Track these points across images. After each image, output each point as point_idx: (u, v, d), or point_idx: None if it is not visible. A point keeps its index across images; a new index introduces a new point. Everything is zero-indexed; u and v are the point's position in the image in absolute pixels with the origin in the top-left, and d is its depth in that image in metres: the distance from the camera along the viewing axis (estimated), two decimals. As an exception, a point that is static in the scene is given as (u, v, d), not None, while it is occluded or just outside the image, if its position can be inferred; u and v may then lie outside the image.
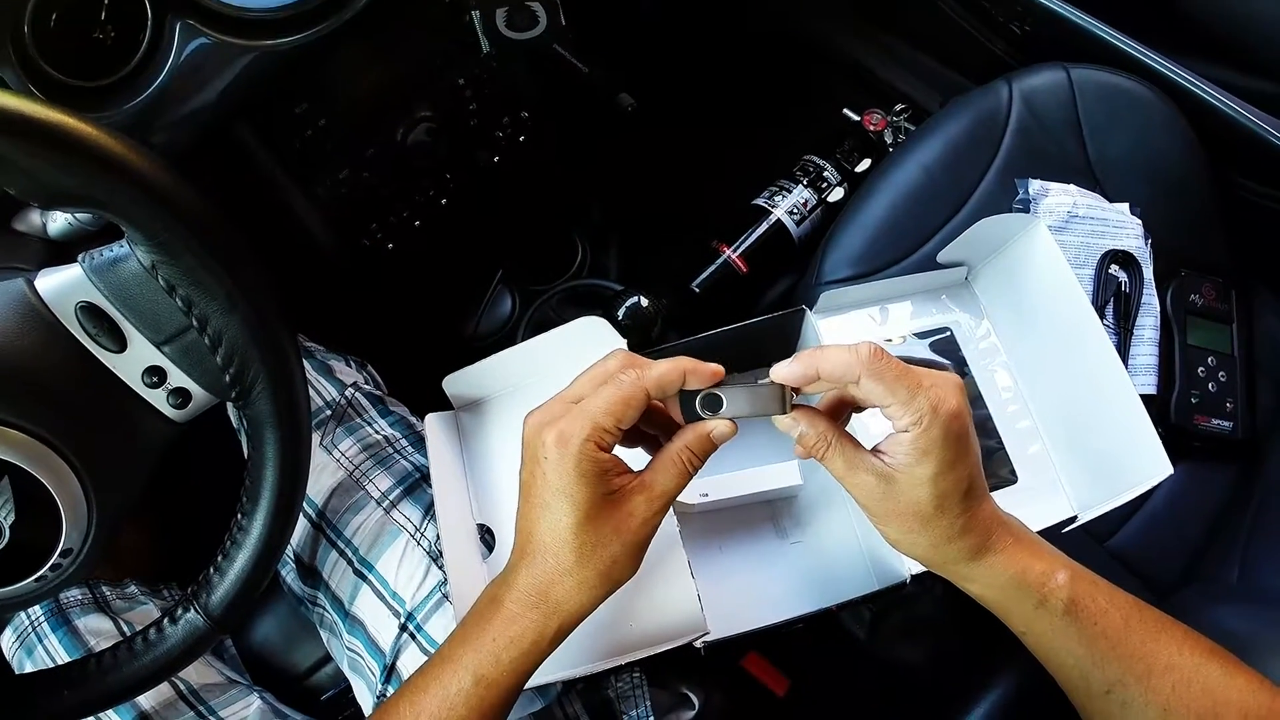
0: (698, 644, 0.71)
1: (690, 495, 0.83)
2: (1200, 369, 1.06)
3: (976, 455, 0.61)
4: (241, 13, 0.79)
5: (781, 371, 0.59)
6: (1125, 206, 1.09)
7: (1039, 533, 0.76)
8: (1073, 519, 0.81)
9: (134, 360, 0.62)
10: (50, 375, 0.59)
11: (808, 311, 0.85)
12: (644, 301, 1.14)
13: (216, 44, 0.79)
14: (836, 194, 1.31)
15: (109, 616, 0.88)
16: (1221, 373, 1.06)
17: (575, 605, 0.60)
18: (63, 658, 0.84)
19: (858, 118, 1.39)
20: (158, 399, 0.64)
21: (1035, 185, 1.07)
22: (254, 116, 0.87)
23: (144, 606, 0.93)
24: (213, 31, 0.78)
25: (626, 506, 0.59)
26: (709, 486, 0.83)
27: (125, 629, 0.88)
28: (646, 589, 0.71)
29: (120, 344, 0.61)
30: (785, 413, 0.60)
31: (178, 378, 0.63)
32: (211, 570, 0.66)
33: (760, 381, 0.61)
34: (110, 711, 0.80)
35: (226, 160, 0.90)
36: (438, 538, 0.83)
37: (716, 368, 0.60)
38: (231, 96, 0.81)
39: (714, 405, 0.60)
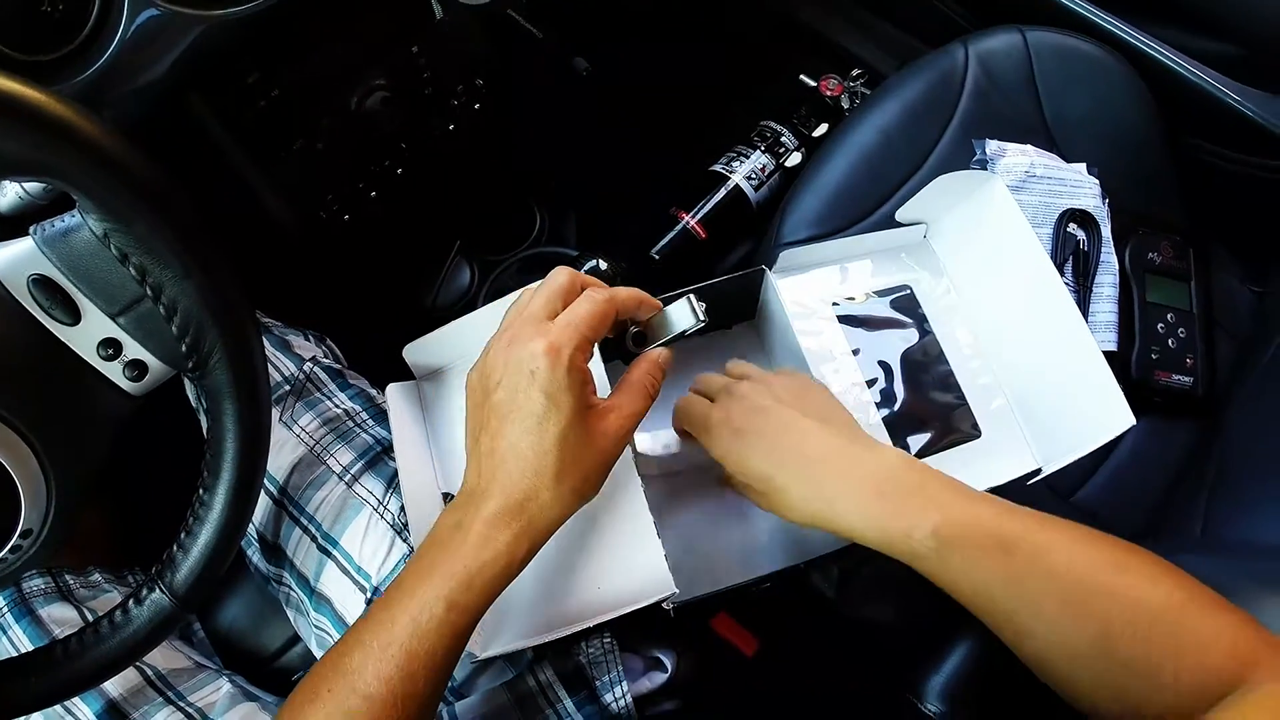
0: (666, 605, 0.72)
1: (654, 448, 0.85)
2: (1160, 325, 1.08)
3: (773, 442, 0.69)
4: (184, -19, 0.78)
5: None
6: (1082, 166, 1.11)
7: (1004, 485, 0.78)
8: (1036, 471, 0.82)
9: (89, 332, 0.61)
10: (3, 350, 0.58)
11: (767, 271, 0.86)
12: (602, 264, 1.15)
13: (166, 15, 0.78)
14: (794, 159, 1.32)
15: (73, 605, 0.87)
16: (1181, 329, 1.08)
17: (548, 520, 0.62)
18: (27, 647, 0.83)
19: (814, 83, 1.41)
20: (114, 371, 0.63)
21: (993, 145, 1.09)
22: (205, 88, 0.86)
23: (108, 594, 0.92)
24: (162, 2, 0.77)
25: (602, 423, 0.63)
26: (670, 439, 0.84)
27: (90, 616, 0.87)
28: (612, 550, 0.71)
29: (74, 316, 0.61)
30: (701, 322, 0.69)
31: (134, 349, 0.63)
32: (175, 548, 0.65)
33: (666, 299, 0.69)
34: (78, 700, 0.80)
35: (179, 134, 0.89)
36: (401, 510, 0.84)
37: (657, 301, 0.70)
38: (183, 68, 0.81)
39: (640, 341, 0.71)
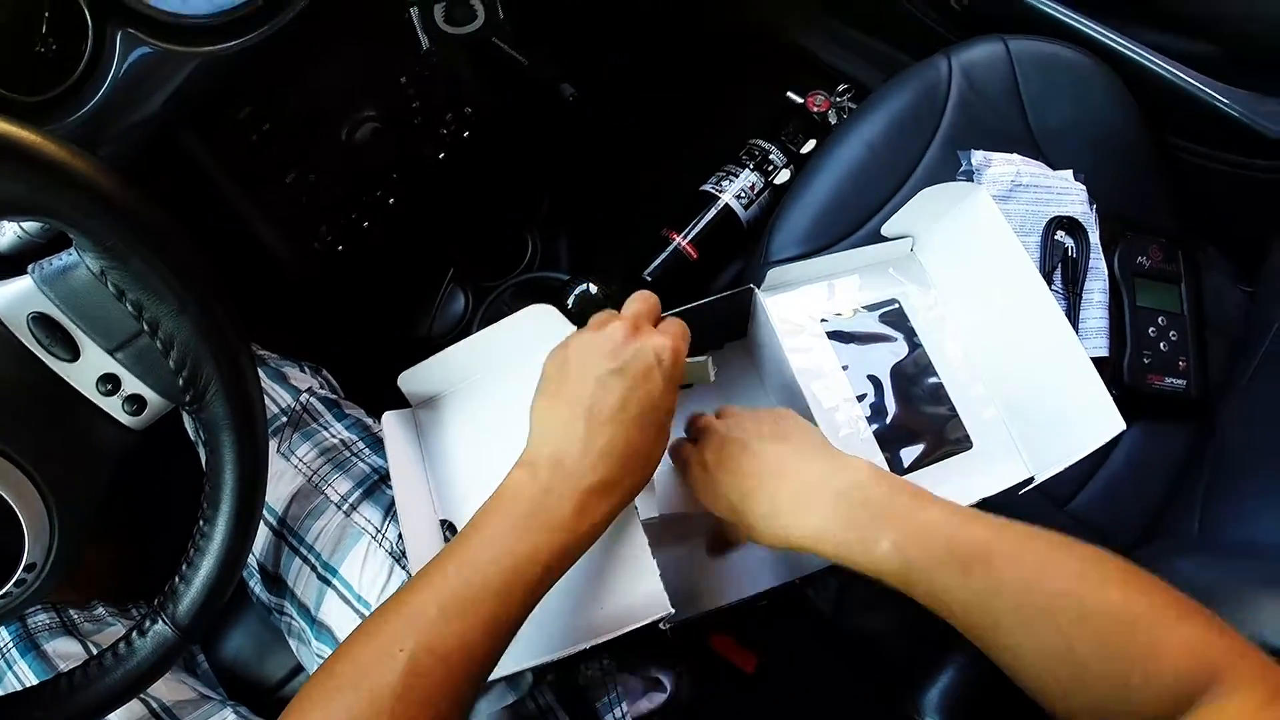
0: (663, 625, 0.72)
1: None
2: (1151, 329, 1.09)
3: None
4: (181, 19, 0.80)
5: None
6: (1069, 173, 1.12)
7: (996, 496, 0.79)
8: (1029, 480, 0.83)
9: (88, 368, 0.63)
10: (4, 387, 0.60)
11: (756, 290, 0.87)
12: (592, 288, 1.16)
13: (159, 52, 0.80)
14: (783, 176, 1.34)
15: (77, 639, 0.88)
16: (1172, 332, 1.09)
17: (626, 499, 0.66)
18: (33, 682, 0.84)
19: (801, 100, 1.43)
20: (113, 406, 0.65)
21: (978, 156, 1.11)
22: (198, 124, 0.88)
23: (112, 627, 0.93)
24: (154, 40, 0.79)
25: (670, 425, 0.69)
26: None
27: (94, 650, 0.87)
28: (608, 572, 0.73)
29: (73, 353, 0.62)
30: (710, 380, 0.76)
31: (132, 384, 0.65)
32: (177, 579, 0.66)
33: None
34: (83, 734, 0.81)
35: (174, 169, 0.91)
36: (399, 538, 0.85)
37: None
38: (176, 104, 0.82)
39: None
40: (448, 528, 0.82)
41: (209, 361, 0.61)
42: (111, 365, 0.64)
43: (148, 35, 0.79)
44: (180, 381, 0.62)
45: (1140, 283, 1.11)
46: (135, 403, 0.65)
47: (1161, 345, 1.09)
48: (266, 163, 0.94)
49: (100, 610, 0.96)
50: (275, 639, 1.02)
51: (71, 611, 0.92)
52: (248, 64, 0.84)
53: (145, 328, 0.60)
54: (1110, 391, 0.78)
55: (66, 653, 0.87)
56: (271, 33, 0.83)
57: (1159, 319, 1.10)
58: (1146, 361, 1.08)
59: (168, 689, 0.88)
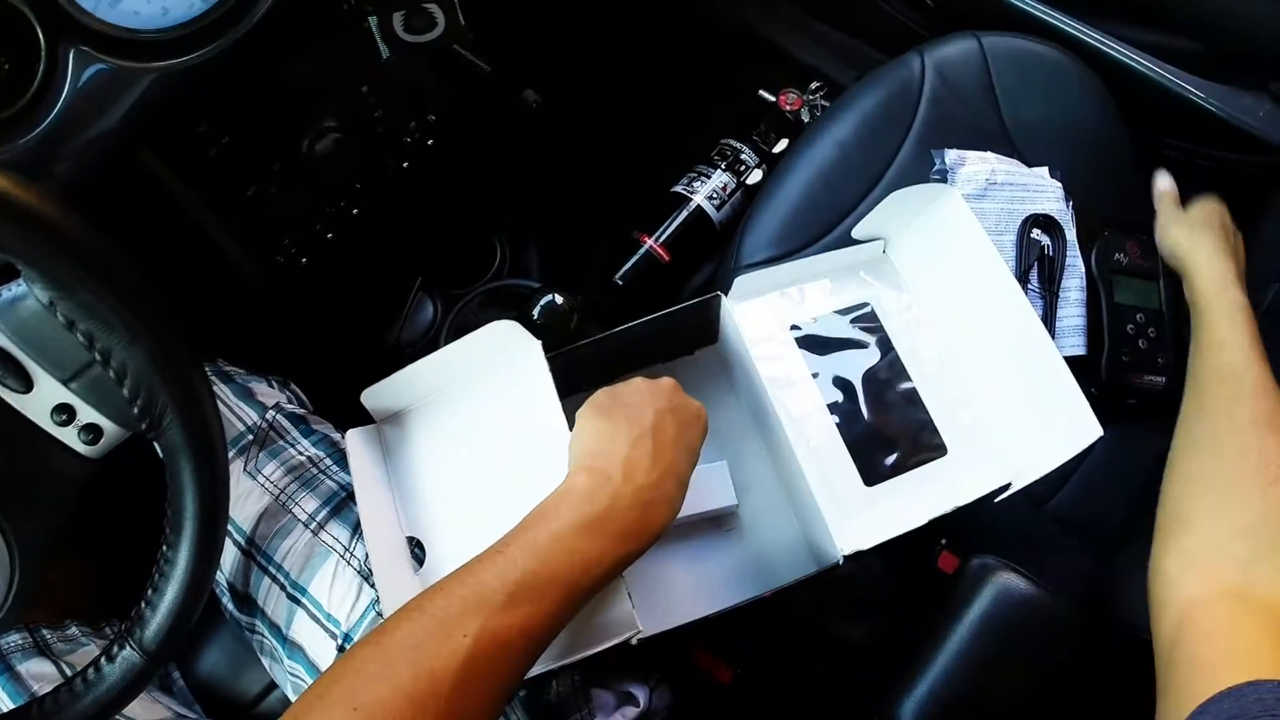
0: (633, 640, 0.73)
1: None
2: (1129, 326, 1.08)
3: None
4: (135, 35, 0.79)
5: None
6: (1044, 170, 1.12)
7: (973, 503, 0.80)
8: (1006, 486, 0.83)
9: (42, 399, 0.63)
10: (-43, 421, 0.60)
11: (723, 297, 0.88)
12: (558, 299, 1.16)
13: (113, 69, 0.79)
14: (755, 176, 1.34)
15: (50, 660, 0.89)
16: (1151, 329, 1.09)
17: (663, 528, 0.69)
18: (6, 704, 0.84)
19: (773, 98, 1.42)
20: (69, 436, 0.65)
21: (952, 155, 1.10)
22: (156, 139, 0.88)
23: (85, 647, 0.93)
24: (109, 57, 0.79)
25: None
26: None
27: (68, 671, 0.88)
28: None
29: (27, 384, 0.63)
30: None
31: (87, 413, 0.65)
32: (143, 604, 0.67)
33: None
34: (60, 756, 0.81)
35: (133, 185, 0.90)
36: (368, 556, 0.85)
37: None
38: (132, 121, 0.82)
39: None
40: (415, 544, 0.82)
41: (163, 389, 0.61)
42: (66, 395, 0.64)
43: (102, 52, 0.78)
44: (136, 410, 0.62)
45: (1118, 280, 1.10)
46: (91, 432, 0.66)
47: (1140, 342, 1.08)
48: (227, 177, 0.94)
49: (73, 630, 0.96)
50: (250, 655, 1.02)
51: (44, 631, 0.92)
52: (205, 78, 0.83)
53: (98, 358, 0.60)
54: (1089, 390, 0.78)
55: (40, 674, 0.87)
56: (228, 46, 0.83)
57: (1137, 316, 1.09)
58: (1125, 359, 1.07)
59: (143, 709, 0.89)
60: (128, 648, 0.67)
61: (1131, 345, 1.08)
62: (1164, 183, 1.08)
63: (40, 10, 0.75)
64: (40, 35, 0.76)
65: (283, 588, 0.87)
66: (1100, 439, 0.77)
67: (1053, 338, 1.03)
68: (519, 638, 0.59)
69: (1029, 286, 1.06)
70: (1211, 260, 0.93)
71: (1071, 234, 1.10)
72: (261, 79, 0.92)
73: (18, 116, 0.78)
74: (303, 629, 0.86)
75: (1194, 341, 0.91)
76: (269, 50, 0.89)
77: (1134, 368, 1.07)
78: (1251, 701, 0.54)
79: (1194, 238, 0.96)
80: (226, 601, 0.94)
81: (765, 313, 0.91)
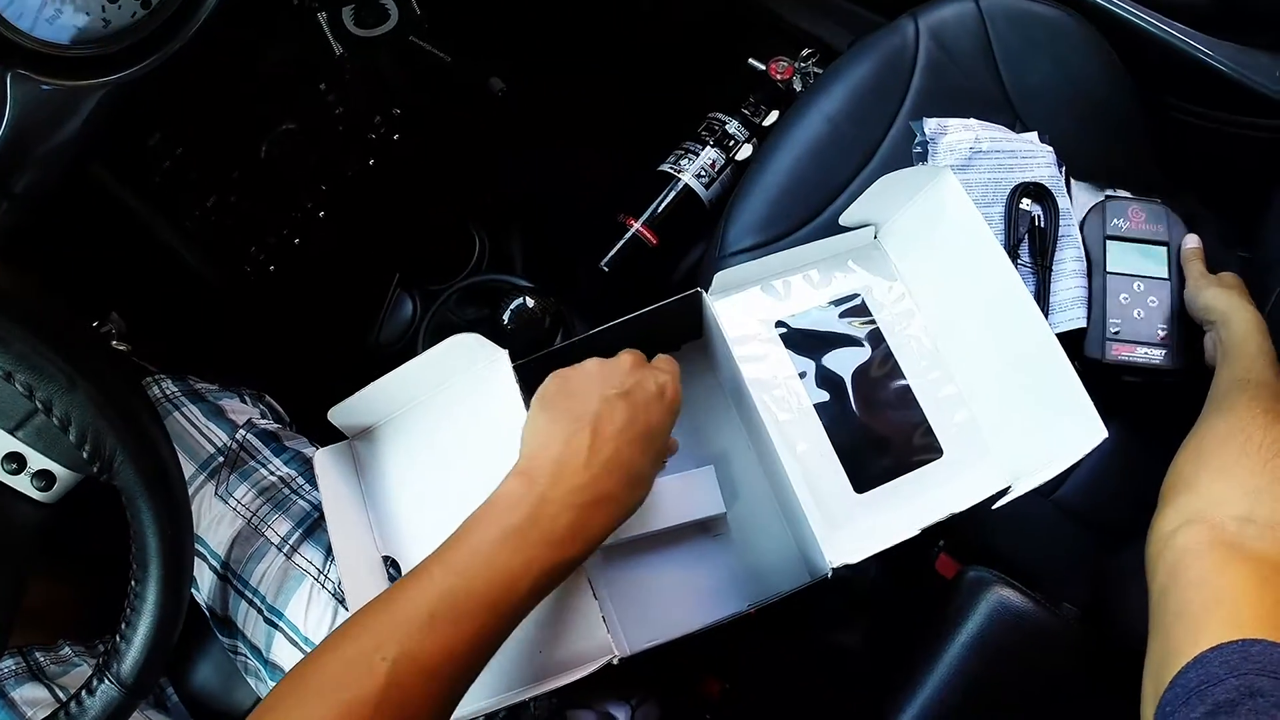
0: (614, 661, 0.72)
1: None
2: (1123, 296, 1.03)
3: None
4: (73, 51, 0.78)
5: None
6: (1034, 135, 1.09)
7: (971, 508, 0.78)
8: (1005, 490, 0.80)
9: (-10, 448, 0.63)
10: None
11: (704, 294, 0.85)
12: (529, 301, 1.14)
13: (57, 89, 0.78)
14: (745, 151, 1.31)
15: (44, 684, 0.90)
16: (1152, 298, 1.03)
17: (618, 519, 0.67)
18: None
19: (764, 67, 1.39)
20: (22, 484, 0.65)
21: (932, 124, 1.07)
22: (107, 156, 0.86)
23: (79, 668, 0.95)
24: (48, 78, 0.77)
25: (661, 459, 0.72)
26: None
27: (61, 695, 0.89)
28: (552, 612, 0.72)
29: (-29, 434, 0.62)
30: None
31: (38, 461, 0.65)
32: (118, 639, 0.67)
33: None
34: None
35: (91, 204, 0.89)
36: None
37: None
38: (81, 140, 0.80)
39: None
40: (391, 564, 0.81)
41: (110, 433, 0.62)
42: (14, 444, 0.64)
43: (41, 75, 0.76)
44: (85, 455, 0.62)
45: (1114, 245, 1.06)
46: (44, 478, 0.66)
47: (1136, 312, 1.03)
48: (184, 188, 0.93)
49: (66, 650, 0.97)
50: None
51: (38, 654, 0.94)
52: (153, 90, 0.82)
53: (39, 407, 0.59)
54: (1075, 366, 0.75)
55: (34, 699, 0.88)
56: (173, 54, 0.81)
57: (1135, 285, 1.04)
58: (1114, 331, 1.02)
59: (138, 729, 0.90)
60: (106, 681, 0.67)
61: (1124, 315, 1.03)
62: (1193, 241, 1.04)
63: (-28, 35, 0.73)
64: (-25, 60, 0.74)
65: (260, 611, 0.88)
66: (1110, 428, 0.75)
67: (1046, 315, 1.01)
68: (442, 661, 0.57)
69: (1020, 261, 1.03)
70: (1251, 323, 0.91)
71: (1065, 201, 1.06)
72: (212, 86, 0.90)
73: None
74: (282, 652, 0.87)
75: (1220, 368, 0.89)
76: (218, 55, 0.87)
77: (1124, 340, 1.02)
78: (1217, 665, 0.56)
79: (1232, 301, 0.94)
80: (211, 622, 0.94)
81: (748, 309, 0.88)
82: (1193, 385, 0.92)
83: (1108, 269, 1.05)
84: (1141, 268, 1.05)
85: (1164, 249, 1.06)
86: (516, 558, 0.61)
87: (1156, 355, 1.02)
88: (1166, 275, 1.05)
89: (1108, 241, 1.06)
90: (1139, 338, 1.02)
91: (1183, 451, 0.80)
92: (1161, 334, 1.02)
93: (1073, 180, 1.10)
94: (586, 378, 0.70)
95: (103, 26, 0.79)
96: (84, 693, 0.68)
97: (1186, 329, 1.02)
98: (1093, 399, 0.75)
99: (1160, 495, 0.77)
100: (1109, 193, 1.09)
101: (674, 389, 0.72)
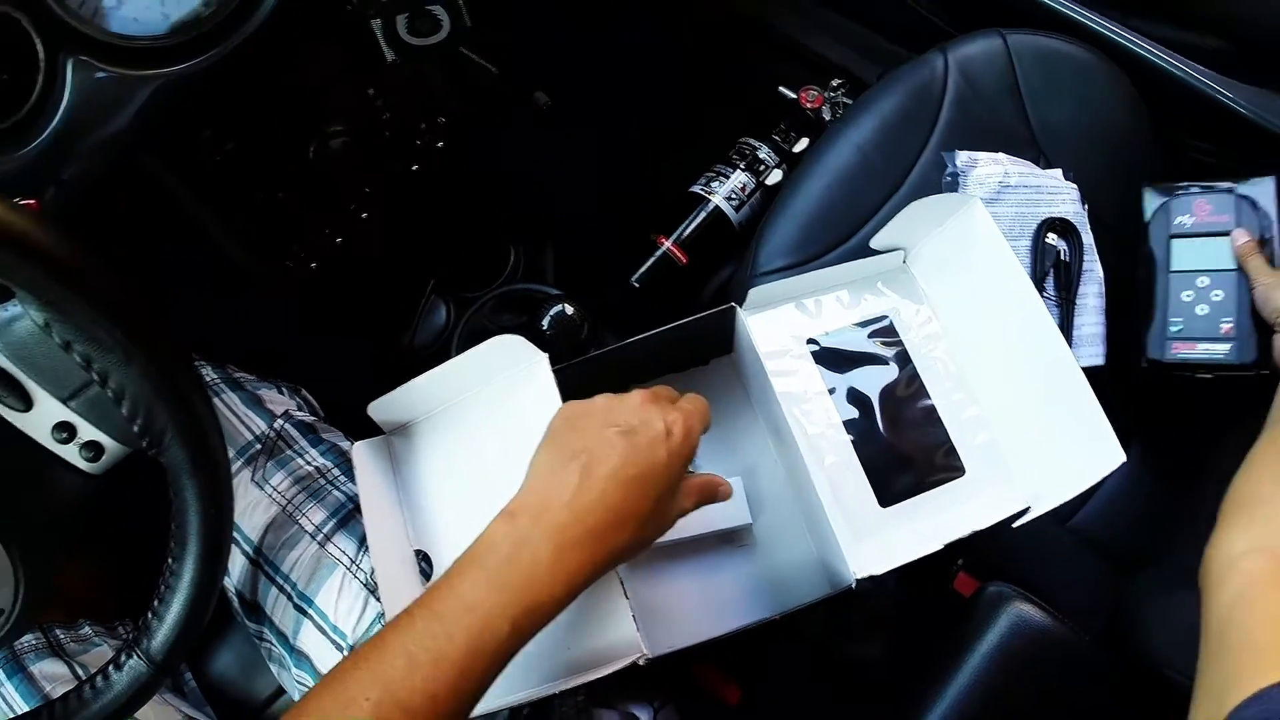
0: (640, 662, 0.72)
1: None
2: (1185, 294, 1.00)
3: None
4: (133, 43, 0.79)
5: None
6: (1058, 172, 1.10)
7: (991, 527, 0.78)
8: (1024, 511, 0.81)
9: (42, 417, 0.63)
10: (-43, 439, 0.60)
11: (738, 309, 0.86)
12: (568, 309, 1.15)
13: (113, 78, 0.79)
14: (775, 176, 1.32)
15: (64, 660, 0.89)
16: (1216, 292, 0.99)
17: (612, 560, 0.65)
18: (19, 705, 0.85)
19: (794, 95, 1.40)
20: (70, 454, 0.65)
21: (963, 157, 1.08)
22: (159, 148, 0.88)
23: (99, 648, 0.94)
24: (108, 66, 0.79)
25: (675, 502, 0.69)
26: None
27: (80, 672, 0.89)
28: (581, 609, 0.72)
29: (26, 402, 0.63)
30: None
31: (88, 431, 0.65)
32: (150, 615, 0.67)
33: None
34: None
35: (141, 194, 0.90)
36: (374, 570, 0.85)
37: None
38: (135, 130, 0.82)
39: None
40: (423, 558, 0.82)
41: (162, 409, 0.61)
42: (66, 413, 0.64)
43: (100, 61, 0.78)
44: (136, 429, 0.61)
45: (1178, 244, 1.03)
46: (93, 449, 0.66)
47: (1198, 308, 0.99)
48: (232, 184, 0.94)
49: (86, 629, 0.96)
50: (261, 658, 1.03)
51: (58, 631, 0.93)
52: (205, 85, 0.83)
53: (95, 378, 0.59)
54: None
55: (53, 674, 0.88)
56: (229, 51, 0.82)
57: (1198, 281, 1.00)
58: (1176, 330, 1.00)
59: (155, 713, 0.89)
60: (135, 657, 0.67)
61: (1187, 313, 1.00)
62: (1242, 236, 0.97)
63: (38, 21, 0.75)
64: (39, 46, 0.75)
65: (290, 598, 0.88)
66: (1131, 449, 0.74)
67: (1070, 347, 1.01)
68: (423, 702, 0.56)
69: (1045, 294, 1.03)
70: None
71: (1088, 238, 1.07)
72: (265, 85, 0.91)
73: (19, 126, 0.78)
74: (309, 639, 0.87)
75: None
76: (271, 56, 0.88)
77: (1184, 338, 0.99)
78: None
79: None
80: (237, 607, 0.94)
81: (781, 325, 0.89)
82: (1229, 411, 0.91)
83: (1171, 268, 1.02)
84: (1207, 261, 1.01)
85: (1228, 237, 1.01)
86: (494, 598, 0.60)
87: (1220, 350, 0.98)
88: (1234, 266, 1.00)
89: (1172, 241, 1.03)
90: (1201, 334, 0.99)
91: (1250, 467, 0.76)
92: (1225, 328, 0.98)
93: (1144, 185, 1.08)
94: (590, 413, 0.68)
95: (161, 20, 0.80)
96: (110, 667, 0.67)
97: (1258, 322, 0.97)
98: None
99: (1222, 511, 0.73)
100: (1177, 187, 1.06)
101: (686, 429, 0.67)
